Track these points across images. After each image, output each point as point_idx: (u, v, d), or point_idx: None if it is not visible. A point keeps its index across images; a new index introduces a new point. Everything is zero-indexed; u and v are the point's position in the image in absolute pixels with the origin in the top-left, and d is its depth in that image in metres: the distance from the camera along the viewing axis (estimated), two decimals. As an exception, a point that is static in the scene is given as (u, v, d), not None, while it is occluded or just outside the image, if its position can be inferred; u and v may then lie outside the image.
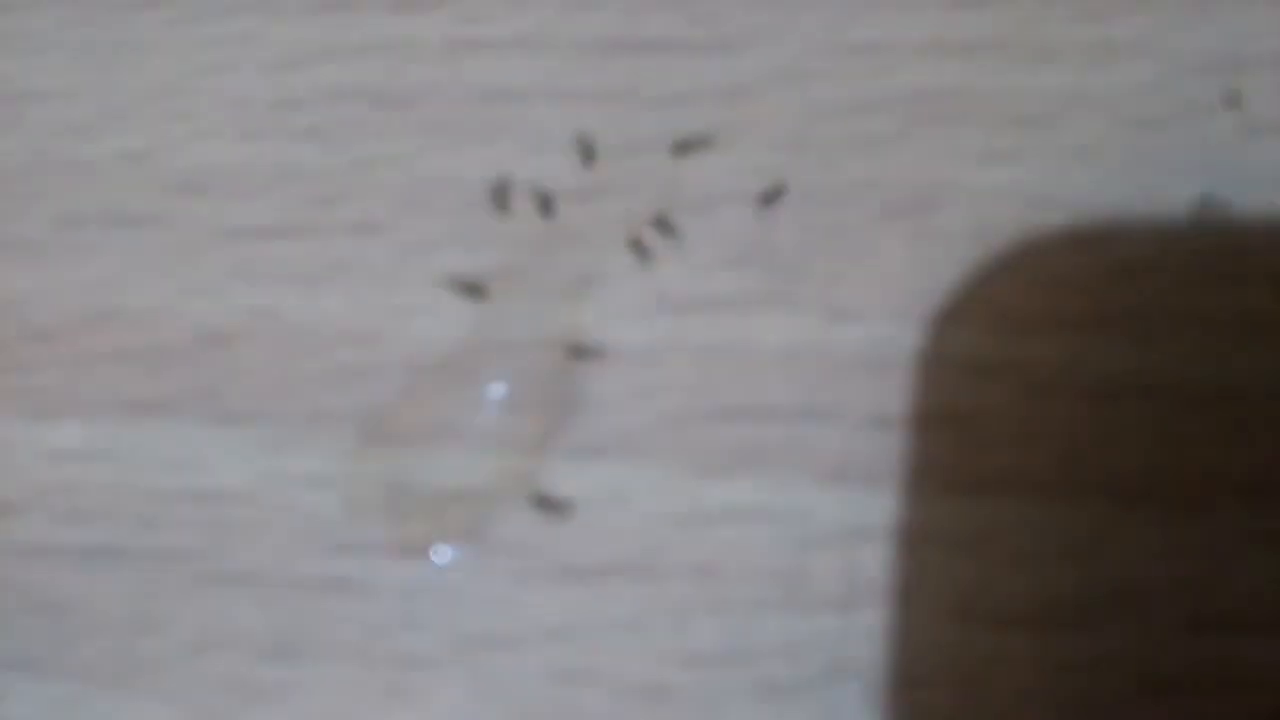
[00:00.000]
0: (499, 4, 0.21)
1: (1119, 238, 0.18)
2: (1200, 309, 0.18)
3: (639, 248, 0.19)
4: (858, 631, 0.17)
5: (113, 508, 0.20)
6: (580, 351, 0.19)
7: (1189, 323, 0.18)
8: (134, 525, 0.19)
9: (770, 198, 0.19)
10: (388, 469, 0.19)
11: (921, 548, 0.17)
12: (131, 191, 0.21)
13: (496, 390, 0.19)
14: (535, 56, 0.21)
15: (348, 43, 0.21)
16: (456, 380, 0.19)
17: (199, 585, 0.19)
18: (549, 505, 0.18)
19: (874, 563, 0.17)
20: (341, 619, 0.19)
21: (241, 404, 0.20)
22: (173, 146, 0.21)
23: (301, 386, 0.20)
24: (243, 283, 0.20)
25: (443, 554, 0.19)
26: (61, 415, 0.20)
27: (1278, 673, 0.16)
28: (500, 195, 0.20)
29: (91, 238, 0.21)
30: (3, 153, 0.22)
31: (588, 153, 0.20)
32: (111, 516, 0.20)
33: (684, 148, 0.19)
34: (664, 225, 0.19)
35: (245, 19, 0.22)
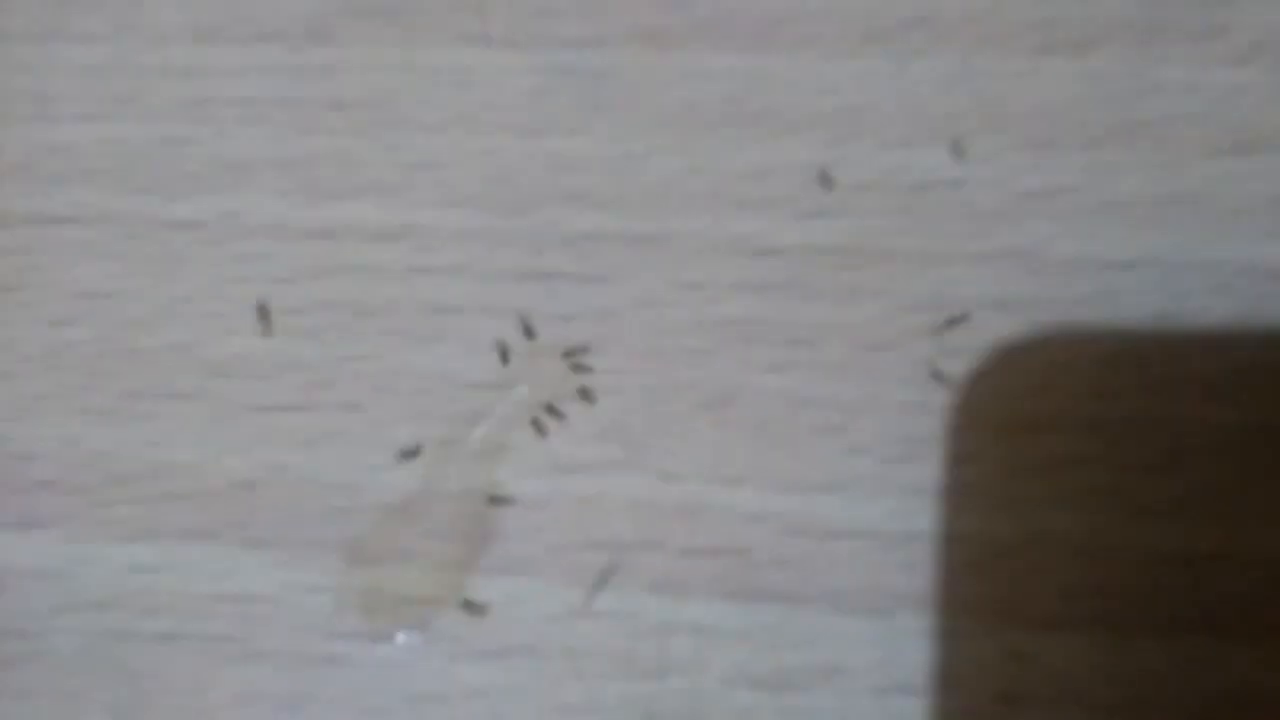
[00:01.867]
0: (443, 239, 0.26)
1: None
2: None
3: (538, 425, 0.25)
4: (667, 692, 0.24)
5: (174, 605, 0.25)
6: (496, 500, 0.25)
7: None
8: (189, 617, 0.25)
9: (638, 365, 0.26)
10: (364, 581, 0.25)
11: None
12: (179, 374, 0.26)
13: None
14: (469, 281, 0.26)
15: (335, 265, 0.26)
16: (411, 520, 0.25)
17: (235, 660, 0.25)
18: (472, 607, 0.24)
19: (679, 648, 0.24)
20: (334, 683, 0.24)
21: (263, 533, 0.25)
22: (209, 340, 0.26)
23: (305, 522, 0.25)
24: (263, 445, 0.25)
25: (401, 638, 0.24)
26: (136, 539, 0.25)
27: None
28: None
29: (150, 408, 0.26)
30: (79, 340, 0.26)
31: (504, 355, 0.26)
32: (173, 611, 0.25)
33: (569, 353, 0.26)
34: (554, 410, 0.25)
35: (259, 242, 0.27)
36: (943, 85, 0.26)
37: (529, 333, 0.26)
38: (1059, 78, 0.26)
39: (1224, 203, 0.25)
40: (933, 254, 0.25)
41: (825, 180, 0.26)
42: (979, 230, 0.25)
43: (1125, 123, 0.25)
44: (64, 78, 0.28)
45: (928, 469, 0.24)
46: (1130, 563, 0.24)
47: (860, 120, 0.26)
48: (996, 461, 0.24)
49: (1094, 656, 0.23)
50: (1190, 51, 0.26)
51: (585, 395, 0.25)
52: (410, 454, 0.25)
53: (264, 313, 0.26)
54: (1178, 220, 0.25)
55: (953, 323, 0.25)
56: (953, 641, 0.24)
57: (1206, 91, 0.25)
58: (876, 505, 0.24)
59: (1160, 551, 0.24)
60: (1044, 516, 0.24)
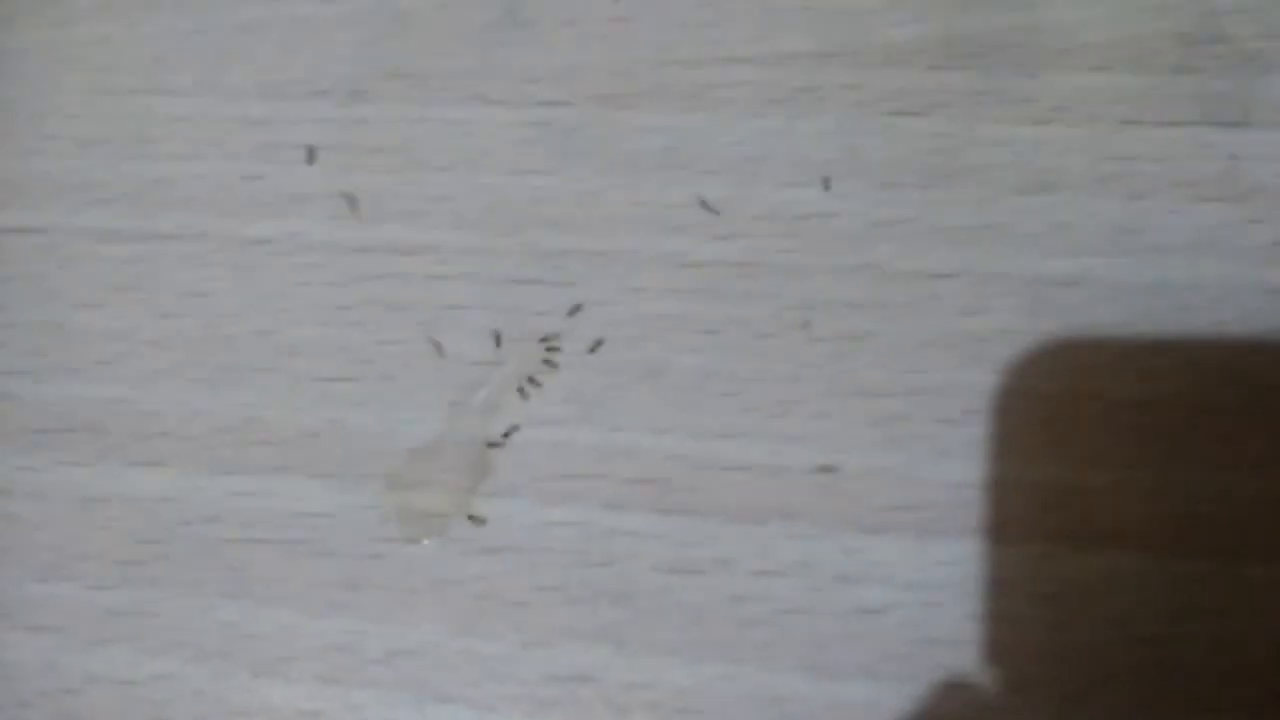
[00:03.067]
0: (454, 254, 0.30)
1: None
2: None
3: (522, 391, 0.29)
4: (611, 575, 0.29)
5: (263, 520, 0.31)
6: (492, 445, 0.29)
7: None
8: (274, 528, 0.31)
9: (594, 348, 0.31)
10: (400, 501, 0.29)
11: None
12: (260, 353, 0.31)
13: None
14: (472, 285, 0.30)
15: (372, 273, 0.31)
16: (432, 458, 0.30)
17: (308, 557, 0.30)
18: (475, 519, 0.29)
19: (619, 546, 0.30)
20: (378, 573, 0.29)
21: (326, 468, 0.30)
22: (282, 327, 0.31)
23: (356, 460, 0.30)
24: (324, 405, 0.30)
25: (426, 542, 0.29)
26: (232, 473, 0.31)
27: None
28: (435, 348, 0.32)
29: (239, 378, 0.31)
30: (184, 329, 0.31)
31: (498, 341, 0.30)
32: (263, 524, 0.31)
33: (544, 340, 0.30)
34: (533, 380, 0.29)
35: (316, 254, 0.31)
36: (820, 139, 0.30)
37: (517, 324, 0.30)
38: (906, 134, 0.30)
39: (1024, 229, 0.29)
40: (808, 267, 0.29)
41: (710, 209, 0.30)
42: (842, 250, 0.29)
43: (953, 168, 0.29)
44: (161, 125, 0.32)
45: (798, 422, 0.29)
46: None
47: (759, 166, 0.30)
48: None
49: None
50: (1005, 114, 0.29)
51: (555, 369, 0.29)
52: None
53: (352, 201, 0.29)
54: (989, 242, 0.29)
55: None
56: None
57: (1016, 145, 0.29)
58: (759, 447, 0.29)
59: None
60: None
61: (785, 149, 0.30)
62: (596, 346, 0.29)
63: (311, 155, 0.30)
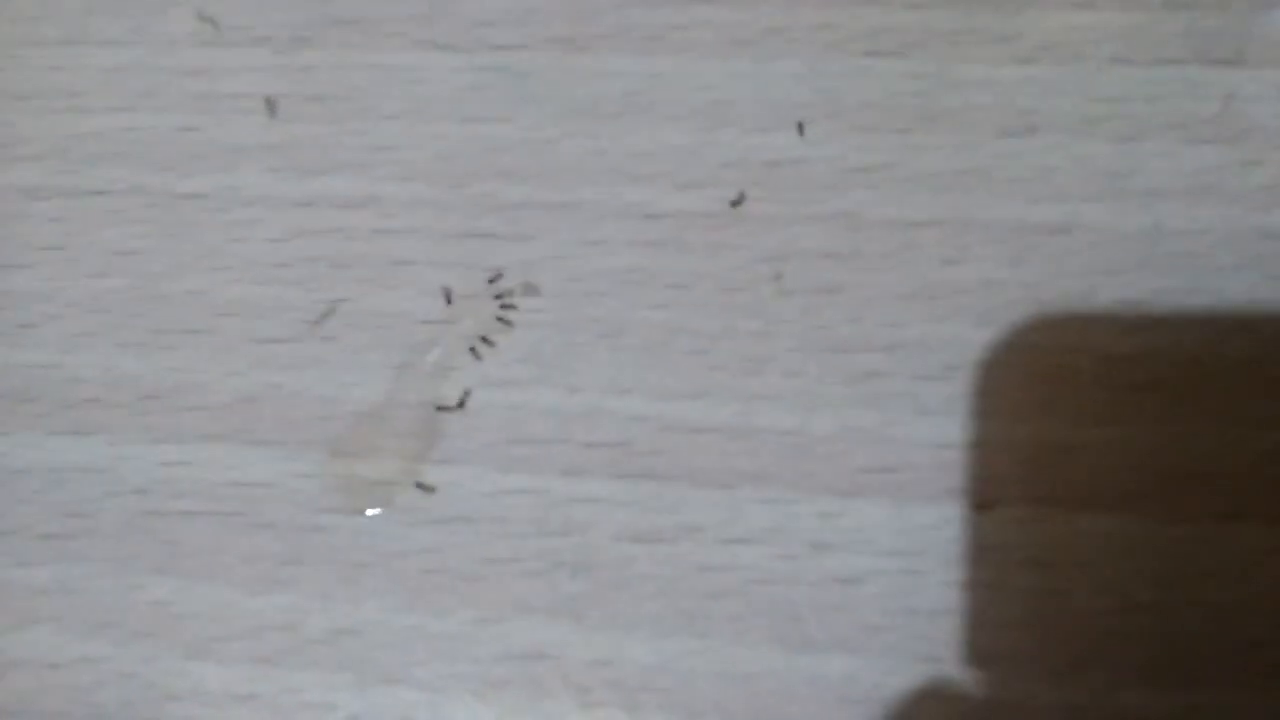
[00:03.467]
0: (401, 207, 0.29)
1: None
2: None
3: (474, 351, 0.28)
4: (570, 545, 0.28)
5: (195, 490, 0.29)
6: (442, 408, 0.28)
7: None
8: (207, 499, 0.29)
9: (529, 290, 0.30)
10: (344, 469, 0.28)
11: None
12: (194, 313, 0.30)
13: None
14: (421, 240, 0.29)
15: (313, 228, 0.30)
16: (378, 423, 0.28)
17: (245, 530, 0.28)
18: (423, 487, 0.28)
19: (578, 514, 0.28)
20: (321, 546, 0.28)
21: (264, 435, 0.29)
22: (217, 288, 0.30)
23: (297, 425, 0.29)
24: (262, 368, 0.29)
25: (371, 512, 0.28)
26: (164, 441, 0.29)
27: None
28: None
29: (171, 340, 0.29)
30: (113, 289, 0.30)
31: (449, 298, 0.29)
32: (195, 495, 0.29)
33: (499, 296, 0.29)
34: (486, 340, 0.28)
35: (254, 210, 0.30)
36: (792, 82, 0.29)
37: (468, 280, 0.29)
38: (883, 76, 0.29)
39: (1007, 174, 0.28)
40: (779, 216, 0.28)
41: (695, 154, 0.29)
42: (816, 198, 0.29)
43: (933, 111, 0.28)
44: (92, 76, 0.31)
45: (769, 381, 0.28)
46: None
47: (727, 111, 0.29)
48: None
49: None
50: (988, 53, 0.29)
51: (510, 327, 0.28)
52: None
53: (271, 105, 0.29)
54: (971, 189, 0.28)
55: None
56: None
57: (999, 85, 0.28)
58: (728, 408, 0.28)
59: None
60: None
61: (754, 93, 0.30)
62: (554, 304, 0.28)
63: (272, 107, 0.30)
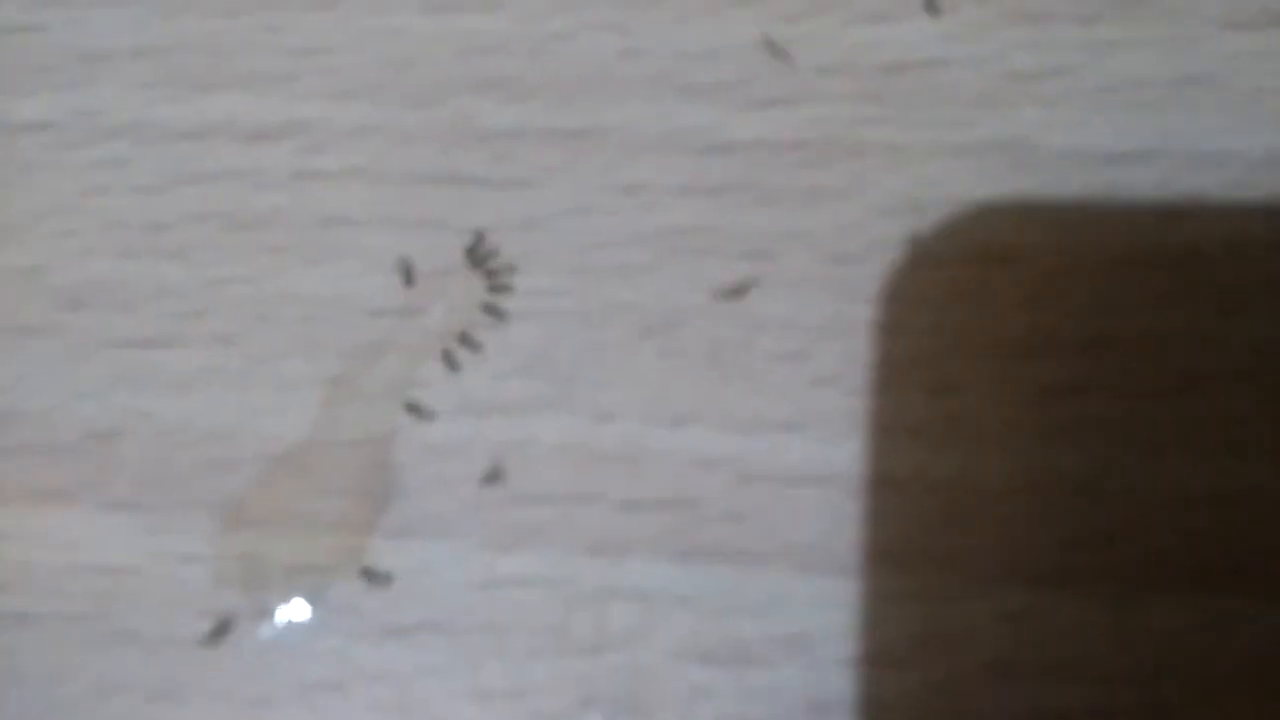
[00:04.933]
0: (335, 137, 0.24)
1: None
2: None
3: (449, 358, 0.23)
4: (606, 669, 0.22)
5: (24, 580, 0.23)
6: (400, 448, 0.23)
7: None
8: (42, 594, 0.23)
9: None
10: (246, 547, 0.23)
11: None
12: (25, 304, 0.24)
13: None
14: (366, 187, 0.24)
15: (205, 171, 0.25)
16: (299, 473, 0.23)
17: (97, 644, 0.23)
18: (373, 576, 0.23)
19: (619, 618, 0.22)
20: (211, 669, 0.23)
21: (126, 493, 0.23)
22: (60, 263, 0.24)
23: (175, 478, 0.23)
24: (123, 388, 0.24)
25: (289, 616, 0.23)
26: None
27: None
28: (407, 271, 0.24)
29: None
30: None
31: (408, 276, 0.24)
32: (23, 587, 0.23)
33: (487, 272, 0.24)
34: (468, 340, 0.23)
35: (117, 144, 0.25)
36: None
37: (438, 248, 0.24)
38: None
39: (1245, 83, 0.23)
40: (908, 147, 0.23)
41: (781, 57, 0.24)
42: (961, 119, 0.23)
43: None
44: None
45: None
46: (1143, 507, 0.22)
47: None
48: (982, 393, 0.22)
49: (1100, 618, 0.22)
50: None
51: (504, 320, 0.24)
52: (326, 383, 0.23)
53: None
54: (1192, 105, 0.23)
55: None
56: (936, 603, 0.22)
57: None
58: (844, 446, 0.22)
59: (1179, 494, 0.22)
60: (1041, 454, 0.22)
61: None
62: (571, 283, 0.24)
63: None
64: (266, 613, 0.23)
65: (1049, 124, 0.23)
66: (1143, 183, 0.23)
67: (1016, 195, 0.23)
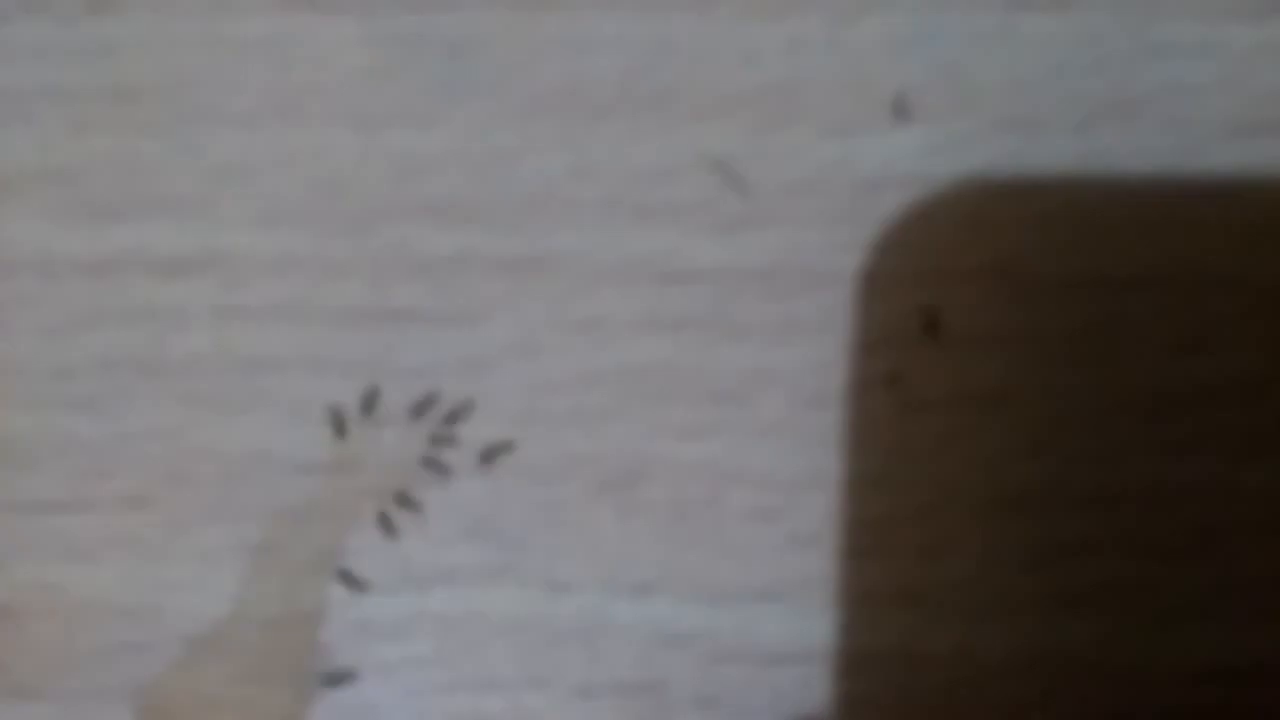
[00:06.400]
0: (259, 269, 0.23)
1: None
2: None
3: (386, 521, 0.22)
4: None
5: None
6: (329, 628, 0.21)
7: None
8: None
9: (489, 456, 0.22)
10: None
11: None
12: None
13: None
14: (292, 325, 0.23)
15: (116, 308, 0.23)
16: (221, 656, 0.21)
17: None
18: None
19: None
20: None
21: (29, 679, 0.22)
22: None
23: (83, 662, 0.22)
24: (24, 558, 0.22)
25: None
26: None
27: None
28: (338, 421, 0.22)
29: None
30: None
31: (339, 426, 0.22)
32: None
33: (426, 421, 0.22)
34: (407, 500, 0.22)
35: (21, 280, 0.24)
36: (891, 51, 0.23)
37: (371, 396, 0.22)
38: (1036, 40, 0.23)
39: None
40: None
41: (736, 186, 0.23)
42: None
43: (1122, 97, 0.23)
44: None
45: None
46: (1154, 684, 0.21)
47: (790, 100, 0.23)
48: (977, 555, 0.21)
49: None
50: (1198, 4, 0.23)
51: (447, 477, 0.22)
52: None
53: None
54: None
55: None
56: None
57: (1220, 57, 0.23)
58: (824, 618, 0.21)
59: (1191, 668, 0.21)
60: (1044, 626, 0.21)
61: (833, 71, 0.24)
62: (521, 432, 0.22)
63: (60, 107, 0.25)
64: None
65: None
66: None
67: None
